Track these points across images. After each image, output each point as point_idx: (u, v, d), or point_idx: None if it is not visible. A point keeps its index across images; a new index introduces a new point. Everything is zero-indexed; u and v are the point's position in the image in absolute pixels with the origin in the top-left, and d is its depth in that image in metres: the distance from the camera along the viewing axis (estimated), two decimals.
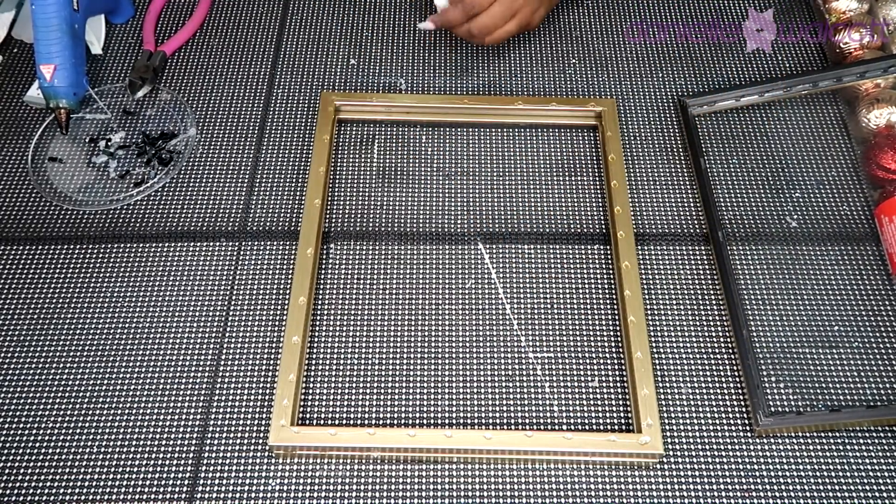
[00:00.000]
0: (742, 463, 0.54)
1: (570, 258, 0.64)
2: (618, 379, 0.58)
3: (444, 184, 0.68)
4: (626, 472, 0.54)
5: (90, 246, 0.64)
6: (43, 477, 0.54)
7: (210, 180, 0.68)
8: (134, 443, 0.55)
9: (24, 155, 0.70)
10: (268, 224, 0.66)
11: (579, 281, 0.63)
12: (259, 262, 0.63)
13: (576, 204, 0.67)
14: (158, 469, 0.54)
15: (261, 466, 0.54)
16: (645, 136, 0.71)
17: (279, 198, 0.67)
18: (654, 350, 0.59)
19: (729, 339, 0.60)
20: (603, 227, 0.65)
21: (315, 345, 0.59)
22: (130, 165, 0.69)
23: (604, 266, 0.63)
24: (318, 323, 0.60)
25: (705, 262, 0.64)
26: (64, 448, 0.55)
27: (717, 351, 0.59)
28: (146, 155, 0.69)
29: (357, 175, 0.69)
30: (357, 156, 0.70)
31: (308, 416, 0.56)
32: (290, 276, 0.62)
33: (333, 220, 0.66)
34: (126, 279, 0.63)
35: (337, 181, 0.68)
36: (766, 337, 0.60)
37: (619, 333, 0.60)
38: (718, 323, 0.60)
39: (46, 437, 0.55)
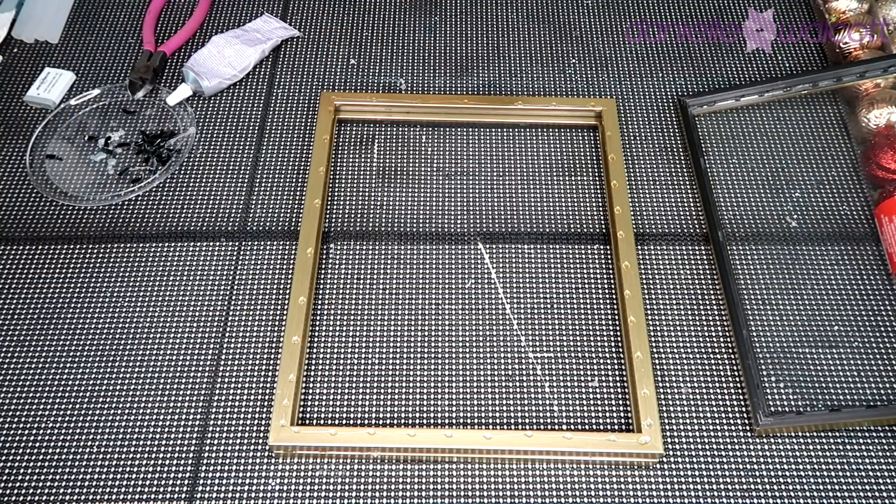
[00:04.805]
0: (742, 463, 0.54)
1: (570, 258, 0.64)
2: (618, 379, 0.58)
3: (444, 184, 0.68)
4: (626, 472, 0.54)
5: (90, 246, 0.64)
6: (43, 477, 0.54)
7: (210, 180, 0.68)
8: (134, 443, 0.55)
9: (23, 155, 0.70)
10: (268, 224, 0.66)
11: (579, 281, 0.63)
12: (259, 262, 0.63)
13: (576, 204, 0.67)
14: (158, 469, 0.54)
15: (261, 466, 0.54)
16: (645, 136, 0.71)
17: (279, 198, 0.67)
18: (654, 350, 0.59)
19: (729, 339, 0.60)
20: (603, 227, 0.65)
21: (315, 345, 0.59)
22: (129, 163, 0.69)
23: (604, 266, 0.63)
24: (318, 323, 0.60)
25: (705, 262, 0.64)
26: (64, 448, 0.55)
27: (717, 351, 0.59)
28: (145, 153, 0.69)
29: (357, 175, 0.69)
30: (357, 156, 0.70)
31: (308, 415, 0.56)
32: (290, 276, 0.62)
33: (333, 220, 0.66)
34: (126, 279, 0.62)
35: (337, 181, 0.68)
36: (766, 337, 0.60)
37: (619, 333, 0.60)
38: (718, 323, 0.60)
39: (46, 437, 0.55)
